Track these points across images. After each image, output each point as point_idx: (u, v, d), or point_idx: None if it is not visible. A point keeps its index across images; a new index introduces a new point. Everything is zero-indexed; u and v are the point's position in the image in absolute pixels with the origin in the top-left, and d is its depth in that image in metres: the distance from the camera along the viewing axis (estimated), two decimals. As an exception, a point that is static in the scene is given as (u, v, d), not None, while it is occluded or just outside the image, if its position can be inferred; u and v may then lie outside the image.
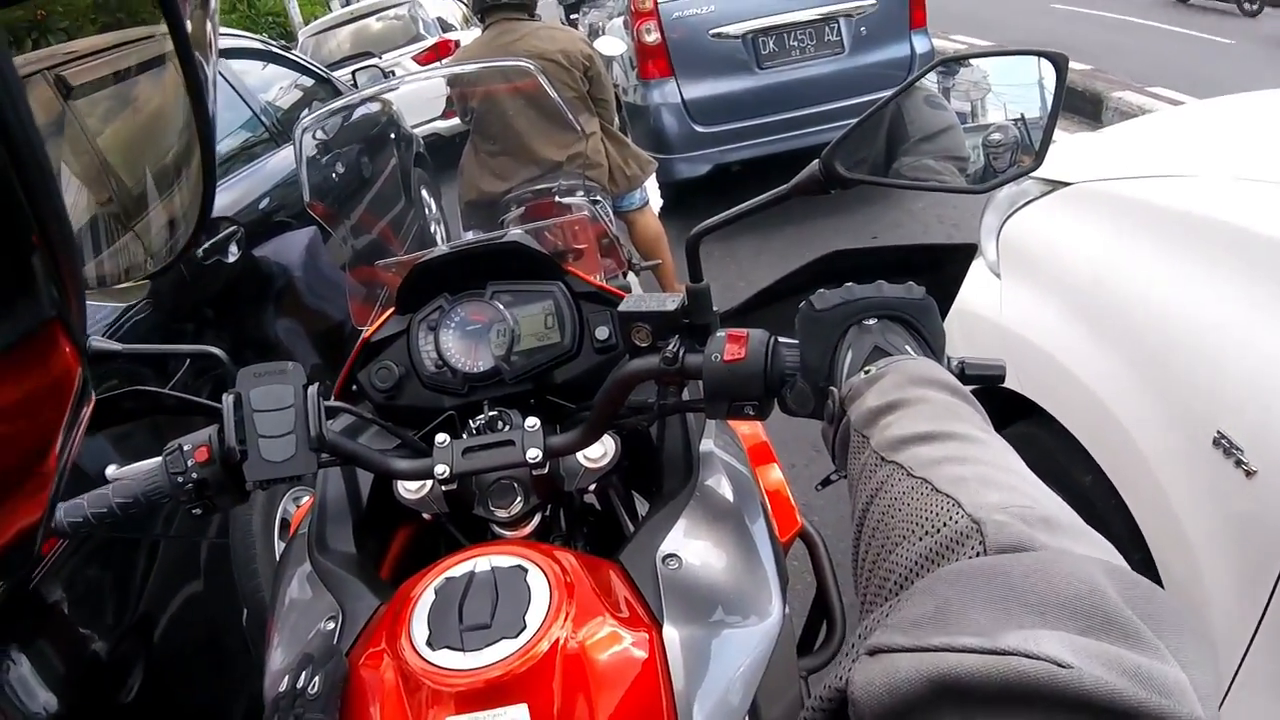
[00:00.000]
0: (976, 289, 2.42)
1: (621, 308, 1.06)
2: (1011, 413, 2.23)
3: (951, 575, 0.44)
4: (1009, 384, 2.18)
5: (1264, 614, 1.49)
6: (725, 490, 1.16)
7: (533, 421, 1.09)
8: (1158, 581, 1.76)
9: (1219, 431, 1.57)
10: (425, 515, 1.21)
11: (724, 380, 0.92)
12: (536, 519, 1.18)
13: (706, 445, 1.23)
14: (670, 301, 1.03)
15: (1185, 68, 8.03)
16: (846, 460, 0.75)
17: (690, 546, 1.02)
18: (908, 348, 0.83)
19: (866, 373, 0.77)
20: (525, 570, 0.90)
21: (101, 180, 0.53)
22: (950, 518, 0.52)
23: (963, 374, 0.93)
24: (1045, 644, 0.36)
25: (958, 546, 0.49)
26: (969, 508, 0.51)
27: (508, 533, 1.16)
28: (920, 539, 0.53)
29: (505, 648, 0.82)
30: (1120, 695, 0.34)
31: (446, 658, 0.82)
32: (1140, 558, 1.79)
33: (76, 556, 2.06)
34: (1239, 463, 1.52)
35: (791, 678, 1.12)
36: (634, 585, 0.97)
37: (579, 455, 1.17)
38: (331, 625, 0.98)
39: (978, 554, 0.47)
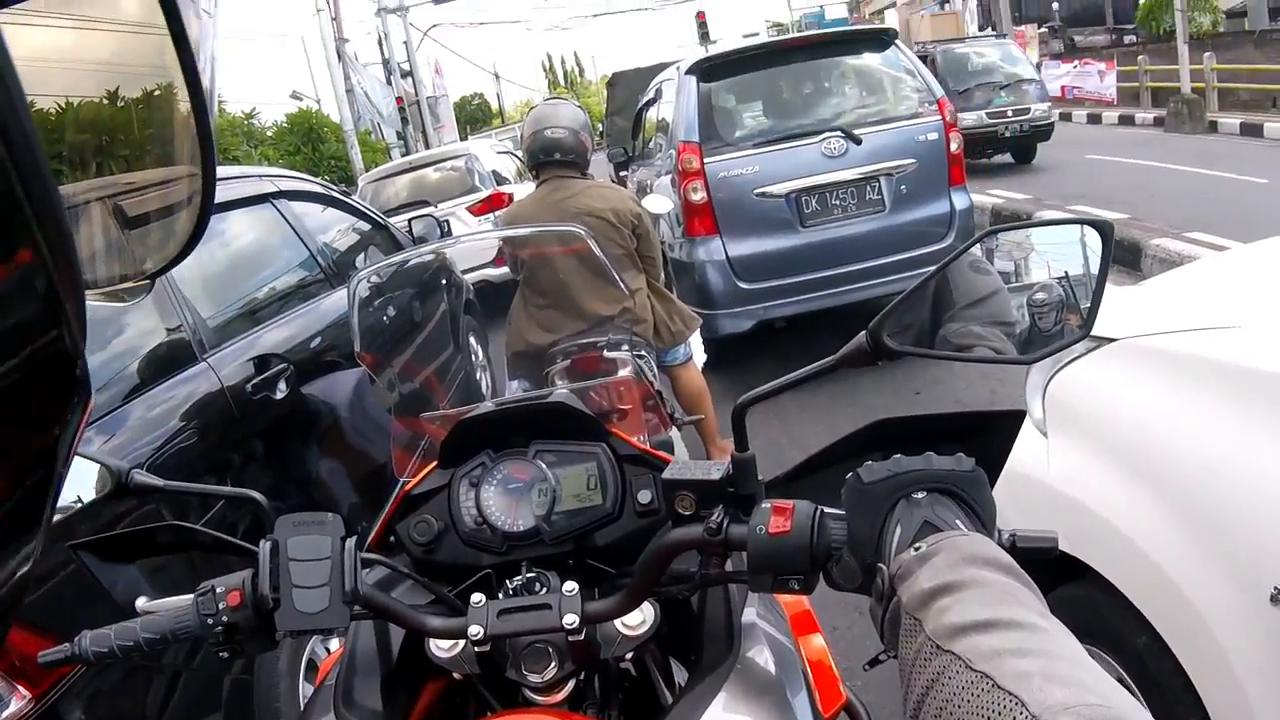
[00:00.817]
0: (1023, 449, 2.38)
1: (666, 474, 1.05)
2: (1063, 573, 2.16)
3: None
4: (1060, 545, 2.14)
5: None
6: (767, 663, 1.13)
7: (571, 586, 1.08)
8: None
9: (1277, 588, 1.51)
10: (456, 675, 1.18)
11: (769, 553, 0.91)
12: (570, 685, 1.16)
13: (749, 616, 1.20)
14: (715, 470, 1.02)
15: (1222, 211, 8.08)
16: (897, 641, 0.73)
17: None
18: (958, 522, 0.82)
19: (917, 549, 0.75)
20: None
21: (101, 180, 0.53)
22: (1014, 718, 0.51)
23: (1014, 548, 0.92)
24: None
25: None
26: (1034, 708, 0.50)
27: (540, 698, 1.13)
28: None
29: None
30: None
31: None
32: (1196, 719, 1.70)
33: (98, 679, 2.04)
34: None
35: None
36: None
37: (617, 622, 1.14)
38: None
39: None
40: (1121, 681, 1.97)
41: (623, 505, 1.24)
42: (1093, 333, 2.22)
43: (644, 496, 1.23)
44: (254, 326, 3.38)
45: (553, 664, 1.11)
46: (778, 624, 1.25)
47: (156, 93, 0.50)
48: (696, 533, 0.98)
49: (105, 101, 0.50)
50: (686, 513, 1.03)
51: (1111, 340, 2.18)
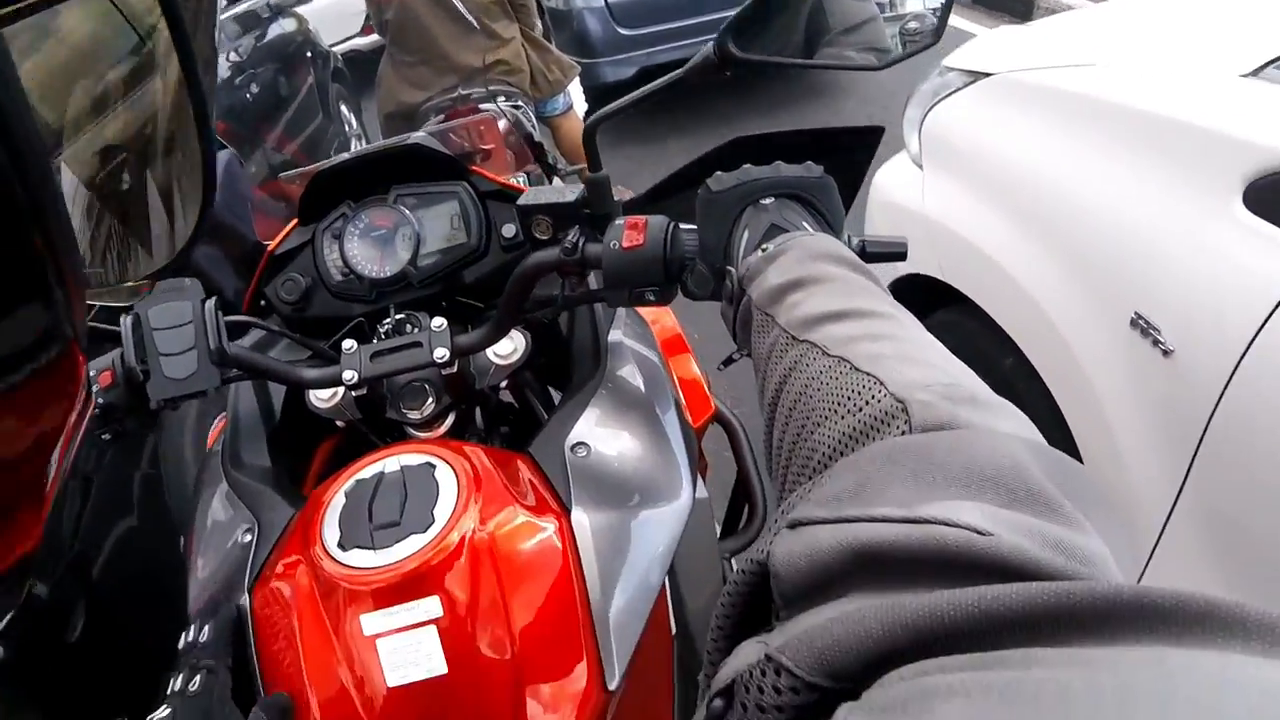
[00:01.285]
0: (899, 181, 2.43)
1: (521, 201, 1.05)
2: (934, 300, 2.26)
3: (874, 452, 0.44)
4: (932, 272, 2.22)
5: (1181, 489, 1.55)
6: (635, 378, 1.16)
7: (439, 321, 1.08)
8: (1078, 460, 1.81)
9: (1136, 313, 1.61)
10: (339, 423, 1.20)
11: (624, 267, 0.92)
12: (450, 419, 1.17)
13: (615, 335, 1.22)
14: (570, 192, 1.03)
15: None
16: (749, 339, 0.75)
17: (599, 434, 1.03)
18: (805, 224, 0.82)
19: (764, 250, 0.76)
20: (433, 467, 0.90)
21: (101, 181, 0.52)
22: (873, 396, 0.50)
23: (864, 252, 0.93)
24: (965, 514, 0.36)
25: (883, 426, 0.49)
26: (892, 387, 0.50)
27: (422, 434, 1.16)
28: (842, 418, 0.52)
29: (414, 543, 0.83)
30: (1039, 562, 0.33)
31: (358, 557, 0.82)
32: (1060, 436, 1.85)
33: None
34: (1156, 343, 1.56)
35: (713, 560, 1.14)
36: (544, 475, 0.97)
37: (489, 352, 1.17)
38: (249, 538, 0.98)
39: (903, 433, 0.47)
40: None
41: (488, 241, 1.23)
42: (971, 68, 2.23)
43: (508, 230, 1.23)
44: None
45: (429, 399, 1.12)
46: (646, 344, 1.27)
47: (158, 97, 0.48)
48: (554, 254, 0.99)
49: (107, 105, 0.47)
50: (544, 237, 1.05)
51: (988, 75, 2.19)
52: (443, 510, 0.86)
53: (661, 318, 1.43)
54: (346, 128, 5.38)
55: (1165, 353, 1.55)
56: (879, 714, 0.28)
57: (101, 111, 0.53)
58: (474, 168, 1.28)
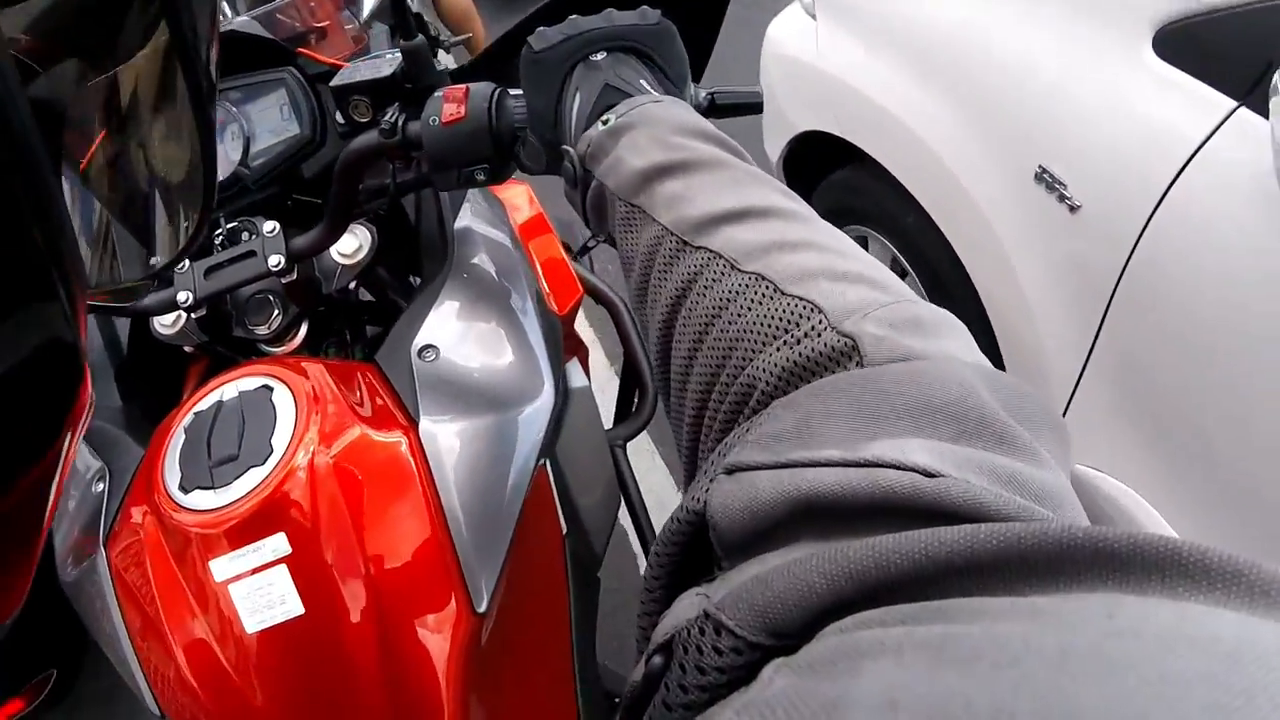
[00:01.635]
0: (793, 32, 2.32)
1: (334, 81, 0.95)
2: (832, 159, 2.19)
3: (816, 388, 0.41)
4: (829, 128, 2.15)
5: (1093, 344, 1.55)
6: (486, 267, 1.06)
7: (271, 226, 0.98)
8: (986, 321, 1.80)
9: (1041, 166, 1.57)
10: (187, 349, 1.09)
11: (446, 145, 0.82)
12: (303, 329, 1.08)
13: (463, 221, 1.12)
14: (386, 66, 0.93)
15: None
16: (606, 226, 0.67)
17: (448, 334, 0.95)
18: (643, 83, 0.72)
19: (605, 123, 0.66)
20: (270, 390, 0.83)
21: (101, 180, 0.53)
22: (812, 327, 0.44)
23: (714, 106, 0.85)
24: (912, 452, 0.34)
25: (833, 365, 0.43)
26: (834, 316, 0.44)
27: (275, 349, 1.06)
28: (778, 349, 0.45)
29: (254, 477, 0.77)
30: (990, 504, 0.31)
31: (199, 499, 0.76)
32: (966, 294, 1.83)
33: None
34: (1062, 198, 1.52)
35: (601, 452, 1.09)
36: (391, 385, 0.90)
37: (332, 253, 1.06)
38: (100, 487, 0.90)
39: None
40: (895, 262, 2.09)
41: (323, 129, 1.12)
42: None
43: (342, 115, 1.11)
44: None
45: (275, 312, 1.04)
46: (500, 227, 1.17)
47: (158, 96, 0.49)
48: (373, 138, 0.90)
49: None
50: (364, 119, 0.97)
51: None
52: (280, 437, 0.79)
53: (517, 198, 1.31)
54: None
55: (1072, 208, 1.52)
56: (805, 672, 0.27)
57: (102, 110, 0.52)
58: (303, 50, 1.14)
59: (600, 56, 0.73)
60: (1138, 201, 1.41)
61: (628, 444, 1.27)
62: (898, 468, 0.33)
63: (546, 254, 1.23)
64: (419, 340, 0.93)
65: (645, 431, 2.39)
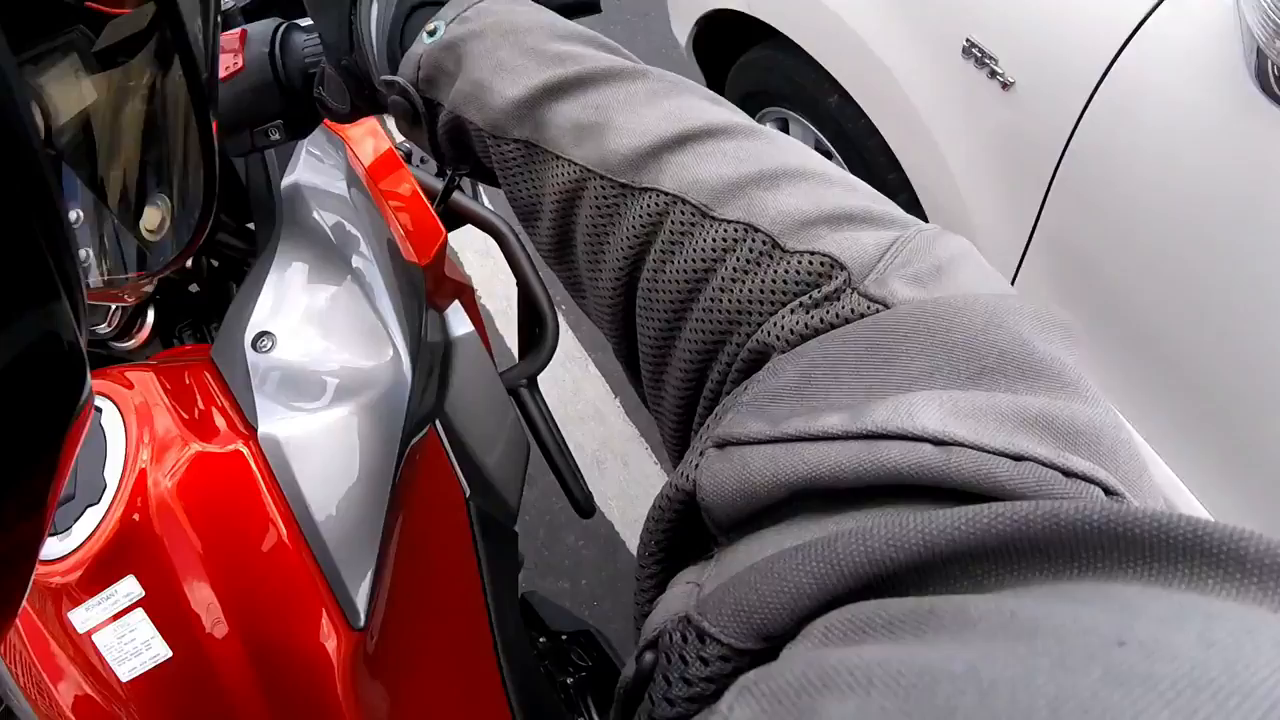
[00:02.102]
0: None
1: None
2: (743, 39, 2.06)
3: (828, 337, 0.37)
4: (738, 6, 2.01)
5: (1032, 232, 1.48)
6: (324, 227, 0.94)
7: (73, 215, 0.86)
8: (919, 209, 1.73)
9: (969, 39, 1.46)
10: None
11: (229, 106, 0.71)
12: (150, 319, 0.97)
13: (292, 178, 0.98)
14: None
15: None
16: (472, 161, 0.56)
17: (284, 316, 0.84)
18: None
19: (433, 34, 0.53)
20: (100, 411, 0.75)
21: (101, 180, 0.52)
22: (835, 290, 0.38)
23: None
24: (920, 413, 0.30)
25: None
26: (857, 276, 0.38)
27: (127, 345, 0.96)
28: (793, 313, 0.39)
29: (92, 518, 0.70)
30: (1003, 478, 0.28)
31: (47, 548, 0.70)
32: (897, 180, 1.75)
33: None
34: (994, 74, 1.42)
35: (498, 399, 1.02)
36: (226, 384, 0.80)
37: (142, 230, 0.93)
38: None
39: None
40: (819, 145, 1.98)
41: None
42: None
43: None
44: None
45: (111, 307, 0.93)
46: (337, 175, 1.02)
47: (160, 95, 0.48)
48: None
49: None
50: None
51: None
52: (113, 468, 0.71)
53: (362, 134, 1.15)
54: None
55: (1004, 85, 1.42)
56: (767, 701, 0.24)
57: (103, 110, 0.52)
58: (91, 4, 0.98)
59: None
60: (1077, 79, 1.32)
61: (537, 378, 1.17)
62: (903, 438, 0.30)
63: (401, 195, 1.10)
64: (251, 328, 0.82)
65: (576, 338, 2.32)
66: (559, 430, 1.18)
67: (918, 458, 0.30)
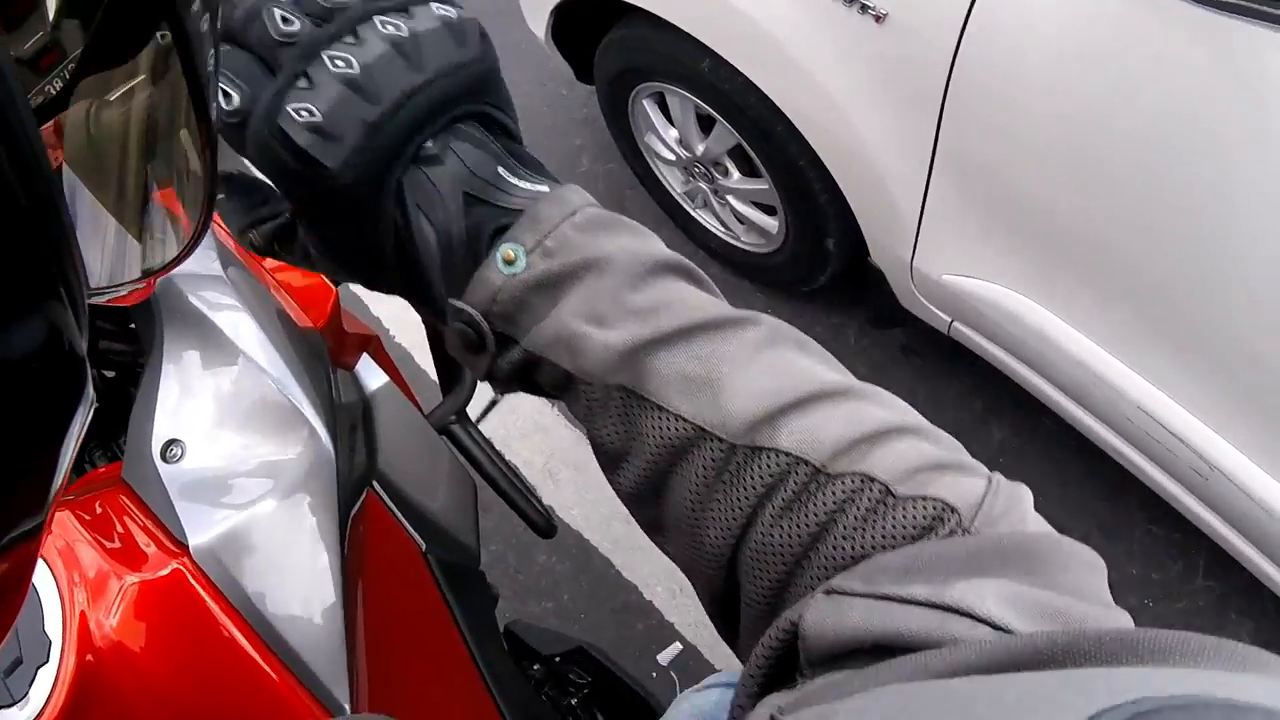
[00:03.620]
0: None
1: None
2: (604, 20, 2.01)
3: (939, 541, 0.42)
4: None
5: (933, 157, 1.47)
6: (206, 314, 0.86)
7: None
8: (815, 159, 1.71)
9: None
10: None
11: None
12: None
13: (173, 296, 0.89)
14: None
15: None
16: (537, 390, 0.52)
17: (186, 418, 0.78)
18: (506, 173, 0.50)
19: (511, 265, 0.47)
20: None
21: (102, 180, 0.52)
22: (950, 532, 0.42)
23: None
24: (988, 599, 0.36)
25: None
26: (967, 518, 0.42)
27: None
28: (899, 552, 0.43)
29: (46, 679, 0.65)
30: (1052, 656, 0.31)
31: (9, 718, 0.66)
32: (786, 131, 1.72)
33: None
34: (865, 8, 1.41)
35: (426, 442, 0.98)
36: (145, 504, 0.75)
37: None
38: None
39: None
40: (699, 111, 1.95)
41: None
42: None
43: None
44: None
45: None
46: (208, 257, 0.90)
47: (159, 95, 0.47)
48: None
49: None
50: None
51: None
52: (52, 622, 0.67)
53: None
54: None
55: (878, 18, 1.41)
56: None
57: (103, 110, 0.49)
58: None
59: (431, 145, 0.49)
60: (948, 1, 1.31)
61: (465, 410, 1.13)
62: (974, 618, 0.36)
63: (281, 264, 1.01)
64: (157, 439, 0.77)
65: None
66: (500, 456, 1.14)
67: (982, 636, 0.35)
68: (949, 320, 1.78)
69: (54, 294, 0.28)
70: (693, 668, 1.90)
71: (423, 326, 1.13)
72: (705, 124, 1.99)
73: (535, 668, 1.34)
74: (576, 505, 2.05)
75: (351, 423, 0.88)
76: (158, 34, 0.45)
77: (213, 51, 0.43)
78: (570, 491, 2.07)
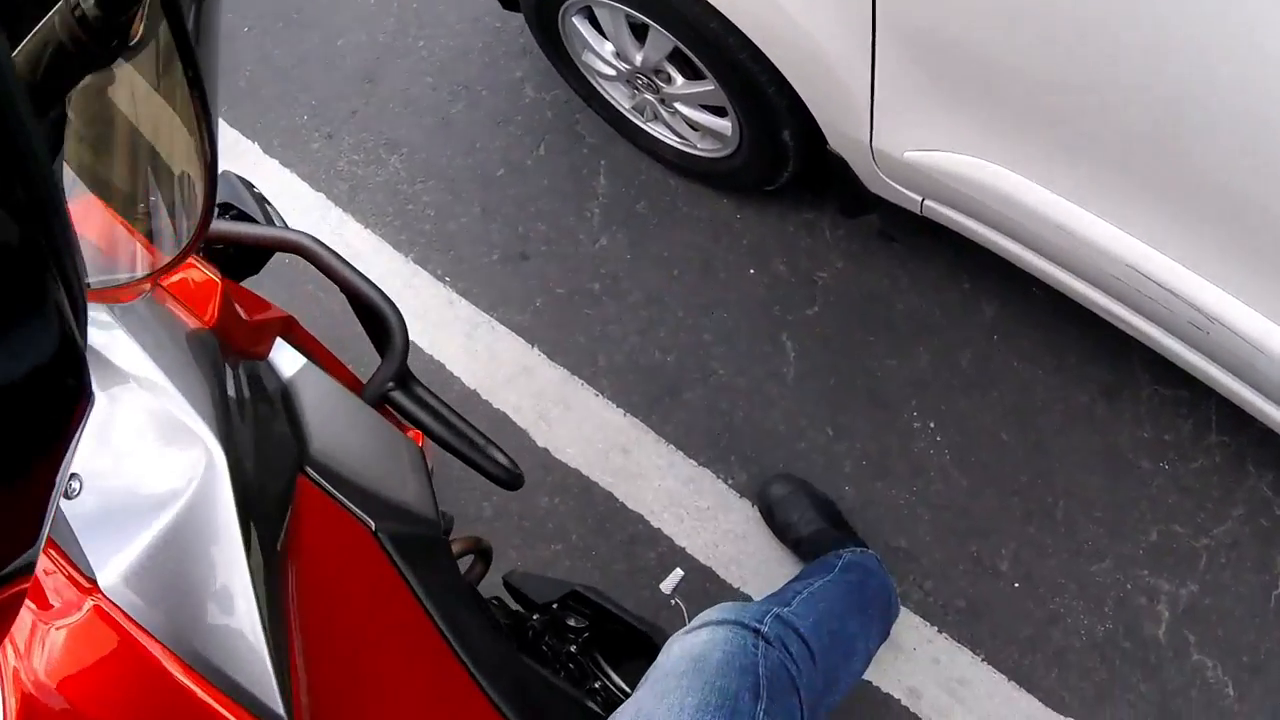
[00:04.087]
0: None
1: None
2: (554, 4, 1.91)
3: None
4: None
5: (874, 23, 1.40)
6: (95, 342, 0.81)
7: None
8: (762, 58, 1.62)
9: None
10: None
11: None
12: None
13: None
14: None
15: None
16: None
17: (80, 451, 0.74)
18: None
19: None
20: None
21: (103, 179, 0.54)
22: None
23: None
24: None
25: None
26: None
27: None
28: None
29: None
30: None
31: None
32: (717, 25, 1.64)
33: None
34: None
35: (359, 418, 0.96)
36: (56, 543, 0.73)
37: None
38: None
39: None
40: (631, 20, 1.86)
41: None
42: None
43: None
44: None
45: None
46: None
47: (158, 94, 0.49)
48: None
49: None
50: None
51: None
52: None
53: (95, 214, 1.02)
54: None
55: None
56: None
57: (103, 111, 0.51)
58: None
59: None
60: None
61: (405, 374, 1.07)
62: None
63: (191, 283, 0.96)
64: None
65: (470, 303, 2.21)
66: (452, 411, 1.08)
67: None
68: (919, 199, 1.71)
69: (54, 292, 0.29)
70: (709, 589, 1.89)
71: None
72: (639, 33, 1.90)
73: (534, 618, 1.32)
74: (572, 444, 2.02)
75: (267, 415, 0.84)
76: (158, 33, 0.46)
77: (213, 54, 0.46)
78: (564, 430, 2.03)
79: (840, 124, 1.66)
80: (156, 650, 0.67)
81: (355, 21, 2.52)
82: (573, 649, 1.26)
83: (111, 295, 0.57)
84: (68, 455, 0.34)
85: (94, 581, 0.68)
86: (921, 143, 1.54)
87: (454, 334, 2.13)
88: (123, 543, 0.70)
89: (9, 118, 0.26)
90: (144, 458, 0.74)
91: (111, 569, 0.69)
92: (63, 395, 0.32)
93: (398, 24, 2.49)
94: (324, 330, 1.20)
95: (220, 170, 1.31)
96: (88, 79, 0.51)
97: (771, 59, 1.62)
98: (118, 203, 0.55)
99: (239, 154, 2.43)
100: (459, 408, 1.08)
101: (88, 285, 0.39)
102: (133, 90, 0.51)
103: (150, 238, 0.55)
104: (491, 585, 1.39)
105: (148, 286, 0.75)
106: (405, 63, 2.44)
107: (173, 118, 0.50)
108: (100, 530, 0.70)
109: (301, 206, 2.30)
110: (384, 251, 2.23)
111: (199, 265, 0.93)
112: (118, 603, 0.68)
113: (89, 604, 0.67)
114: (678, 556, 1.92)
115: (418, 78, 2.42)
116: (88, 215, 0.54)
